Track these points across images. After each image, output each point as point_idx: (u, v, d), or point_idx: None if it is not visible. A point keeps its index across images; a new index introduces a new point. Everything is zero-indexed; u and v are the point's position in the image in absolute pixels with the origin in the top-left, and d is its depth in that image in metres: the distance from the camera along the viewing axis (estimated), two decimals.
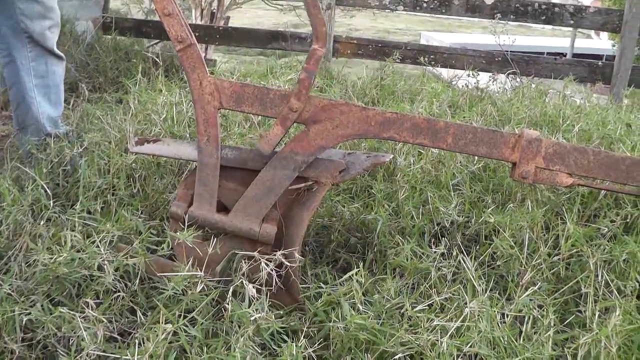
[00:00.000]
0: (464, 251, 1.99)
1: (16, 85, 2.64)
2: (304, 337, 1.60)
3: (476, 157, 2.68)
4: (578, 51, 21.56)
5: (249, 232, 1.87)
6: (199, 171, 1.90)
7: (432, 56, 5.20)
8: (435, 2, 5.21)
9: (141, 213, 2.15)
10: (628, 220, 2.26)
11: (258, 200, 1.87)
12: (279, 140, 1.83)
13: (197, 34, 5.75)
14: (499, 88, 4.44)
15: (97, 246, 1.79)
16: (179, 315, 1.61)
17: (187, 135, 2.60)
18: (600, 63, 5.33)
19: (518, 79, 4.69)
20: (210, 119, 1.88)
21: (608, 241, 2.14)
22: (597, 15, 5.17)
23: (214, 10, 15.87)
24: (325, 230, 2.26)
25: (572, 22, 5.17)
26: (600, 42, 30.45)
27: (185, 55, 1.86)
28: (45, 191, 2.11)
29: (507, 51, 5.10)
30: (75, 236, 1.82)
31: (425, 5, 5.21)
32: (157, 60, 3.12)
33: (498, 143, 1.87)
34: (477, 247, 2.15)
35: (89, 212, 2.07)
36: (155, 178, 2.32)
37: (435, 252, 1.97)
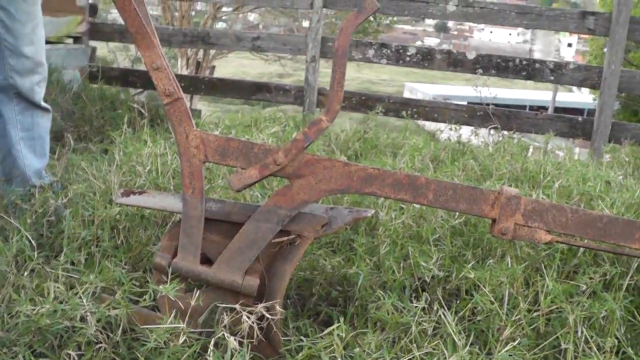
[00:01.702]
0: (444, 306, 2.01)
1: (2, 138, 2.66)
2: None
3: (457, 213, 2.71)
4: (560, 104, 21.96)
5: (232, 284, 1.87)
6: (184, 223, 1.91)
7: (414, 109, 5.28)
8: (418, 55, 5.31)
9: (124, 264, 2.16)
10: (607, 277, 2.29)
11: (241, 252, 1.87)
12: (250, 184, 1.87)
13: (182, 84, 5.79)
14: (481, 142, 4.51)
15: (80, 297, 1.79)
16: None
17: (172, 187, 2.62)
18: (580, 119, 5.43)
19: (500, 134, 4.77)
20: (196, 172, 1.89)
21: (587, 298, 2.16)
22: (576, 71, 5.28)
23: (200, 60, 16.05)
24: (307, 283, 2.27)
25: (552, 78, 5.28)
26: (582, 96, 30.94)
27: (172, 109, 1.89)
28: (30, 242, 2.12)
29: (489, 105, 5.19)
30: (58, 287, 1.83)
31: (408, 59, 5.31)
32: (142, 110, 3.14)
33: (478, 200, 1.90)
34: (458, 301, 2.17)
35: (72, 264, 2.07)
36: (139, 230, 2.33)
37: (416, 306, 1.99)
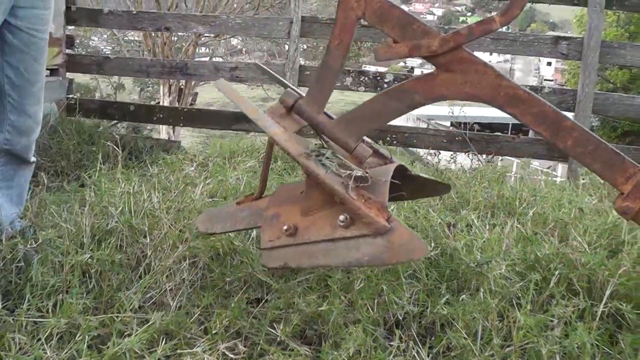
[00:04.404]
0: (418, 342, 2.01)
1: None
2: None
3: (432, 242, 2.71)
4: None
5: (345, 145, 1.86)
6: (320, 70, 1.89)
7: (394, 136, 5.29)
8: (395, 82, 5.34)
9: (95, 309, 2.14)
10: (580, 307, 2.29)
11: (363, 120, 1.86)
12: (395, 59, 1.86)
13: (161, 116, 5.82)
14: (459, 169, 4.53)
15: (43, 346, 1.77)
16: None
17: (146, 227, 2.60)
18: None
19: (478, 159, 4.79)
20: (349, 25, 1.85)
21: (562, 328, 2.16)
22: (552, 95, 5.33)
23: (182, 87, 16.05)
24: (282, 321, 2.26)
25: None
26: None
27: None
28: None
29: (473, 124, 5.21)
30: (22, 338, 1.81)
31: (385, 85, 5.34)
32: (116, 148, 3.13)
33: (615, 167, 1.82)
34: (432, 337, 2.17)
35: (39, 310, 2.05)
36: (111, 274, 2.31)
37: (390, 344, 1.98)
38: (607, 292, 2.34)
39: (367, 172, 1.78)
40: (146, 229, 2.60)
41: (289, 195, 1.99)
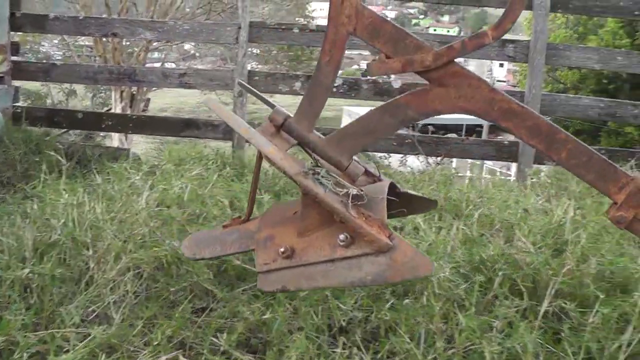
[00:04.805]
0: (362, 348, 2.01)
1: None
2: None
3: None
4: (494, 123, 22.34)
5: (337, 164, 1.83)
6: (310, 87, 1.86)
7: None
8: (345, 86, 5.36)
9: (35, 325, 2.11)
10: (523, 307, 2.32)
11: (355, 137, 1.83)
12: (388, 74, 1.81)
13: (110, 123, 5.75)
14: (409, 171, 4.56)
15: None
16: None
17: (89, 239, 2.56)
18: (507, 142, 5.55)
19: (427, 161, 4.83)
20: (339, 41, 1.81)
21: (506, 328, 2.19)
22: None
23: (134, 92, 15.90)
24: (227, 329, 2.25)
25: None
26: None
27: None
28: None
29: (414, 135, 5.26)
30: None
31: (335, 89, 5.34)
32: (60, 158, 3.09)
33: (608, 177, 1.82)
34: (377, 343, 2.18)
35: None
36: (52, 289, 2.28)
37: (334, 351, 1.99)
38: (550, 291, 2.37)
39: (362, 190, 1.76)
40: (89, 240, 2.56)
41: (281, 216, 1.96)
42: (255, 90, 2.26)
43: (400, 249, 1.70)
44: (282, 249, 1.79)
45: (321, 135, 1.93)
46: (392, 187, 2.03)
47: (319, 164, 1.87)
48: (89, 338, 1.98)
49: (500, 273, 2.43)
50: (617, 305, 2.26)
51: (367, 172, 2.07)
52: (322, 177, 1.75)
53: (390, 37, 1.80)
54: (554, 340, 2.21)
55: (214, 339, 2.12)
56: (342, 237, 1.73)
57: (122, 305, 2.29)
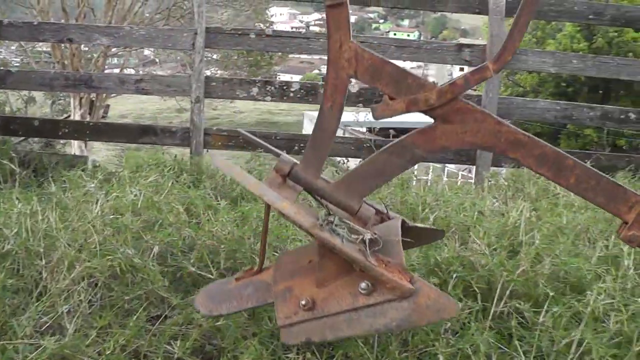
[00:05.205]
0: (317, 353, 2.02)
1: None
2: None
3: None
4: None
5: (347, 207, 1.83)
6: (314, 134, 1.84)
7: (301, 144, 5.31)
8: (302, 91, 5.36)
9: None
10: (476, 308, 2.35)
11: (364, 179, 1.83)
12: (393, 116, 1.79)
13: (66, 130, 5.68)
14: None
15: None
16: None
17: (42, 249, 2.53)
18: None
19: None
20: (340, 85, 1.81)
21: (460, 329, 2.21)
22: None
23: (93, 99, 15.73)
24: (182, 336, 2.24)
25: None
26: None
27: (333, 13, 1.77)
28: None
29: (371, 139, 5.27)
30: None
31: (292, 94, 5.35)
32: (13, 167, 3.04)
33: (618, 199, 1.83)
34: (331, 348, 2.18)
35: None
36: (5, 299, 2.24)
37: (287, 356, 1.99)
38: (500, 292, 2.41)
39: (375, 234, 1.75)
40: (42, 250, 2.53)
41: (296, 265, 1.93)
42: (257, 139, 2.20)
43: (423, 292, 1.70)
44: (303, 302, 1.77)
45: (329, 180, 1.93)
46: (402, 223, 2.03)
47: (330, 211, 1.86)
48: (41, 349, 1.95)
49: (454, 275, 2.45)
50: (570, 304, 2.29)
51: (375, 210, 2.06)
52: (337, 225, 1.74)
53: (392, 78, 1.81)
54: (508, 340, 2.24)
55: (168, 346, 2.11)
56: (363, 285, 1.72)
57: (75, 315, 2.26)
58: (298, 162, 1.90)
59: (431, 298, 1.69)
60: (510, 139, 1.82)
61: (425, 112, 1.81)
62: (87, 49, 16.17)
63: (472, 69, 1.82)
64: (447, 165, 13.20)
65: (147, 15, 16.57)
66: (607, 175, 1.86)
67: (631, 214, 1.83)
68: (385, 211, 2.10)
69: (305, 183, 1.87)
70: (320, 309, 1.76)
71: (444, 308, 1.69)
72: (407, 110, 1.80)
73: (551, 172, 1.84)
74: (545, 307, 2.26)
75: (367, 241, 1.71)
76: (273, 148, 2.17)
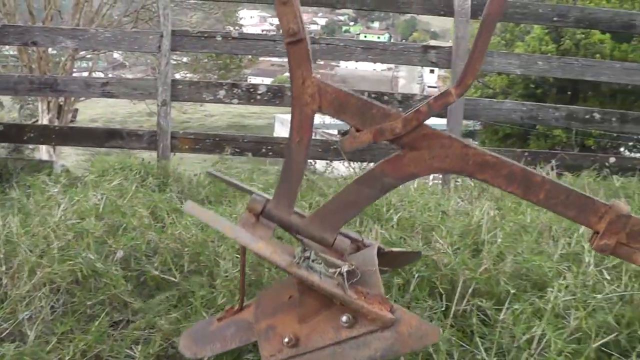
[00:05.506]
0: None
1: None
2: None
3: None
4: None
5: (323, 241, 1.84)
6: (284, 171, 1.86)
7: (269, 147, 5.31)
8: (269, 93, 5.36)
9: None
10: (438, 307, 2.36)
11: (337, 212, 1.85)
12: (361, 147, 1.80)
13: (32, 135, 5.62)
14: (334, 177, 4.58)
15: None
16: None
17: (2, 254, 2.50)
18: None
19: (351, 166, 4.86)
20: (306, 121, 1.82)
21: None
22: (423, 101, 5.45)
23: (61, 103, 15.58)
24: (144, 341, 2.23)
25: (400, 109, 5.42)
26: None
27: (293, 50, 1.79)
28: None
29: (339, 141, 5.28)
30: None
31: (259, 97, 5.34)
32: None
33: (588, 210, 1.86)
34: None
35: None
36: None
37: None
38: (463, 290, 2.43)
39: (352, 264, 1.76)
40: (2, 256, 2.50)
41: (276, 302, 1.94)
42: (227, 178, 2.28)
43: (404, 320, 1.71)
44: (286, 339, 1.77)
45: (302, 213, 1.96)
46: (379, 250, 2.06)
47: (305, 246, 1.86)
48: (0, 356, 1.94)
49: (416, 275, 2.46)
50: (531, 301, 2.32)
51: (350, 239, 2.06)
52: (313, 260, 1.75)
53: (357, 110, 1.83)
54: (470, 337, 2.26)
55: (129, 351, 2.09)
56: (344, 318, 1.73)
57: (36, 321, 2.24)
58: (270, 199, 1.91)
59: (413, 326, 1.71)
60: (477, 161, 1.84)
61: (392, 142, 1.83)
62: (54, 52, 16.02)
63: (434, 96, 1.83)
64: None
65: (116, 17, 16.46)
66: (575, 188, 1.90)
67: (602, 224, 1.86)
68: (361, 239, 2.13)
69: (278, 220, 1.89)
70: (304, 345, 1.77)
71: (426, 334, 1.71)
72: (375, 141, 1.82)
73: (520, 190, 1.86)
74: (507, 304, 2.28)
75: (344, 274, 1.73)
76: (244, 186, 2.23)
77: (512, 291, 2.35)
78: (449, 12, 5.46)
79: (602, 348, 2.16)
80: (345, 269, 1.73)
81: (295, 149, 1.85)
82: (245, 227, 1.86)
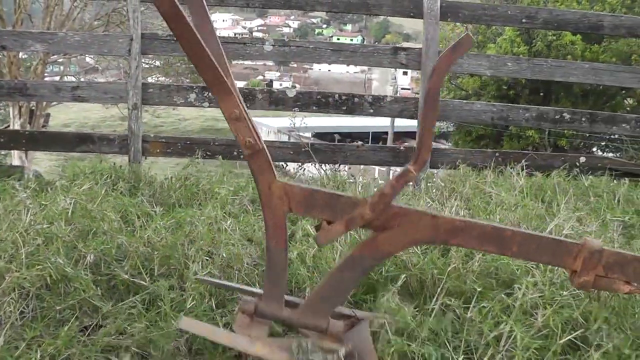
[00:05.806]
0: None
1: None
2: None
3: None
4: (399, 129, 22.68)
5: (317, 328, 1.91)
6: (268, 271, 1.92)
7: (240, 150, 5.29)
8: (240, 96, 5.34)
9: None
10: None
11: (326, 300, 1.91)
12: (336, 238, 1.86)
13: (1, 140, 5.56)
14: (306, 179, 4.60)
15: None
16: None
17: None
18: (402, 147, 5.67)
19: (322, 168, 4.87)
20: (279, 222, 1.89)
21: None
22: (394, 103, 5.51)
23: (33, 108, 15.43)
24: (113, 349, 2.22)
25: (371, 111, 5.47)
26: None
27: (253, 161, 1.86)
28: None
29: (308, 144, 5.30)
30: None
31: None
32: None
33: (561, 253, 1.93)
34: None
35: None
36: None
37: None
38: (432, 290, 2.46)
39: (349, 347, 1.88)
40: None
41: None
42: (214, 280, 2.37)
43: None
44: None
45: (295, 300, 2.07)
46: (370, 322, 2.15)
47: (301, 334, 2.00)
48: None
49: (386, 275, 2.48)
50: (500, 299, 2.35)
51: (343, 316, 2.14)
52: (311, 351, 1.86)
53: (325, 204, 1.90)
54: (439, 336, 2.28)
55: (99, 355, 2.09)
56: None
57: (5, 327, 2.23)
58: (260, 299, 1.98)
59: None
60: (448, 228, 1.91)
61: (364, 227, 1.91)
62: (25, 56, 15.87)
63: (395, 176, 1.91)
64: (391, 167, 13.34)
65: (87, 21, 16.35)
66: (545, 234, 2.00)
67: (577, 263, 1.93)
68: (354, 314, 2.18)
69: (272, 317, 1.97)
70: None
71: None
72: (347, 230, 1.90)
73: (494, 247, 1.94)
74: (473, 302, 2.31)
75: (342, 358, 1.84)
76: (233, 285, 2.34)
77: (479, 290, 2.38)
78: (418, 13, 5.48)
79: (569, 344, 2.20)
80: (342, 352, 1.85)
81: (274, 251, 1.93)
82: (241, 328, 1.93)
